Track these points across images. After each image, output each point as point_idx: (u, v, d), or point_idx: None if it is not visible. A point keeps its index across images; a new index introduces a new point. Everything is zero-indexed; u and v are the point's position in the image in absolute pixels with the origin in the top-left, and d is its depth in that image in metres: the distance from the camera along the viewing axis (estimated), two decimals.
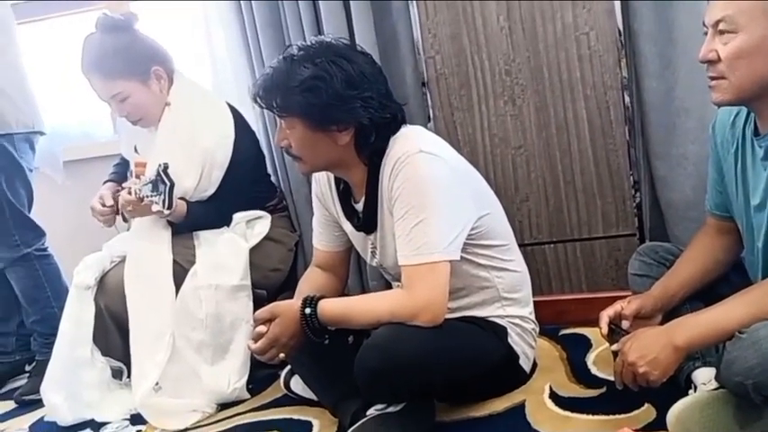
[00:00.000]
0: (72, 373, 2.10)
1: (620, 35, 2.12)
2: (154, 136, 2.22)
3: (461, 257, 1.66)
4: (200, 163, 2.14)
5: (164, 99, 2.20)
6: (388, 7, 2.34)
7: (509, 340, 1.75)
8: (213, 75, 2.53)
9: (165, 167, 1.96)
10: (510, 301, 1.78)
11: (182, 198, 2.10)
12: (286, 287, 2.36)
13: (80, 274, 2.15)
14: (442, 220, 1.60)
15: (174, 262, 2.12)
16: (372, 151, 1.69)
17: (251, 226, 2.27)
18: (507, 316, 1.77)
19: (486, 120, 2.29)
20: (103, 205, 2.26)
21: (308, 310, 1.61)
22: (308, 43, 1.68)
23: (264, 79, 1.67)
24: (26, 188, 2.45)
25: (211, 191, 2.18)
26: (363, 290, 2.48)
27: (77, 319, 2.11)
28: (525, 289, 1.84)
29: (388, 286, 2.30)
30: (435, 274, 1.57)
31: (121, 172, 2.42)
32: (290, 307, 1.65)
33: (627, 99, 2.16)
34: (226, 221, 2.22)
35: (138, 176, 2.05)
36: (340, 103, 1.61)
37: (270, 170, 2.48)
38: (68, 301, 2.15)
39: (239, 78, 2.48)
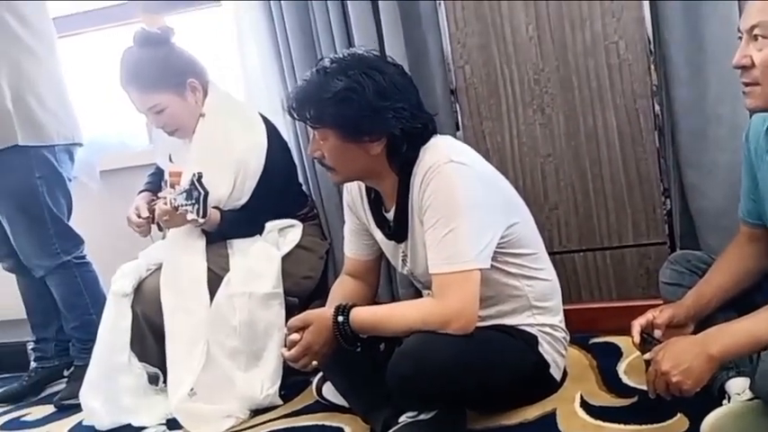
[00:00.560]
0: (110, 378, 2.13)
1: (649, 43, 2.11)
2: (188, 146, 2.24)
3: (491, 266, 1.65)
4: (233, 172, 2.16)
5: (198, 110, 2.23)
6: (418, 18, 2.35)
7: (539, 349, 1.74)
8: (245, 86, 2.54)
9: (200, 177, 1.98)
10: (540, 310, 1.77)
11: (215, 207, 2.12)
12: (317, 294, 2.37)
13: (117, 282, 2.18)
14: (472, 228, 1.59)
15: (209, 270, 2.14)
16: (403, 161, 1.69)
17: (283, 234, 2.29)
18: (538, 324, 1.76)
19: (515, 128, 2.28)
20: (139, 216, 2.28)
21: (340, 318, 1.62)
22: (341, 56, 1.69)
23: (298, 91, 1.68)
24: (66, 197, 2.49)
25: (244, 200, 2.20)
26: (393, 297, 2.47)
27: (115, 325, 2.14)
28: (555, 297, 1.83)
29: (418, 294, 2.30)
30: (466, 283, 1.57)
31: (156, 181, 2.45)
32: (322, 315, 1.66)
33: (657, 107, 2.14)
34: (258, 230, 2.23)
35: (172, 186, 2.07)
36: (372, 114, 1.62)
37: (301, 179, 2.49)
38: (106, 308, 2.18)
39: (270, 89, 2.50)
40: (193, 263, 2.14)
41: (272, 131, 2.26)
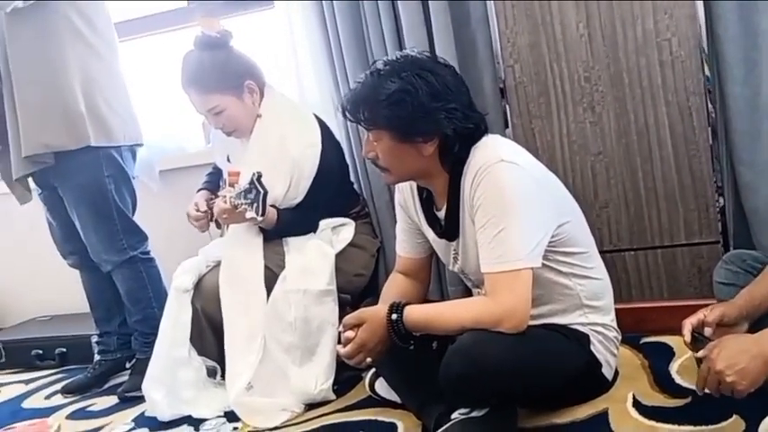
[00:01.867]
0: (171, 371, 2.18)
1: (702, 40, 2.07)
2: (246, 146, 2.28)
3: (543, 265, 1.65)
4: (289, 172, 2.19)
5: (255, 111, 2.26)
6: (468, 18, 2.35)
7: (591, 348, 1.73)
8: (298, 86, 2.57)
9: (259, 176, 2.02)
10: (592, 309, 1.75)
11: (272, 206, 2.15)
12: (368, 291, 2.39)
13: (179, 278, 2.23)
14: (523, 227, 1.59)
15: (266, 267, 2.18)
16: (455, 160, 1.70)
17: (336, 232, 2.31)
18: (589, 323, 1.75)
19: (564, 127, 2.26)
20: (198, 211, 2.34)
21: (394, 316, 1.63)
22: (394, 58, 1.70)
23: (352, 94, 1.70)
24: (131, 195, 2.56)
25: (299, 198, 2.23)
26: (443, 295, 2.48)
27: (176, 320, 2.19)
28: (607, 296, 1.81)
29: (467, 292, 2.30)
30: (518, 282, 1.57)
31: (214, 180, 2.50)
32: (376, 313, 1.67)
33: (710, 104, 2.10)
34: (313, 228, 2.27)
35: (231, 185, 2.10)
36: (425, 115, 1.62)
37: (352, 178, 2.51)
38: (168, 303, 2.24)
39: (323, 90, 2.53)
40: (251, 260, 2.18)
41: (325, 132, 2.29)
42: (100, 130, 2.38)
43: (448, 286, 2.47)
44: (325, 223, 2.28)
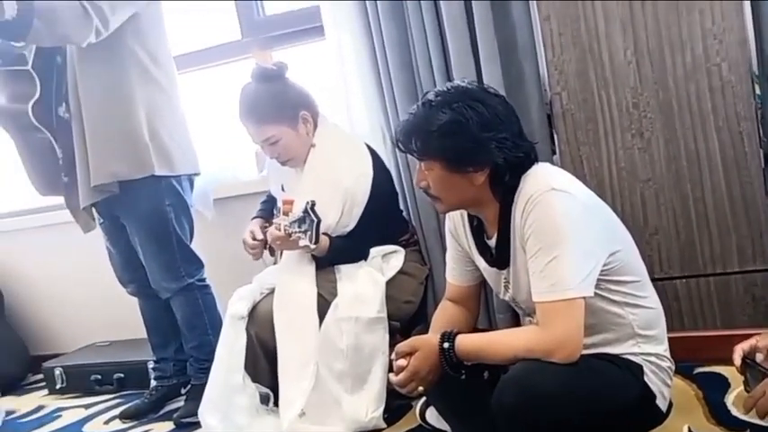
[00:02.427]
0: (226, 397, 2.21)
1: (753, 65, 2.04)
2: (300, 175, 2.33)
3: (595, 294, 1.63)
4: (341, 200, 2.22)
5: (310, 141, 2.31)
6: (515, 46, 2.37)
7: (645, 378, 1.69)
8: (348, 116, 2.61)
9: (313, 205, 2.06)
10: (645, 338, 1.73)
11: (325, 233, 2.18)
12: (417, 319, 2.40)
13: (234, 305, 2.27)
14: (575, 256, 1.58)
15: (318, 294, 2.21)
16: (506, 189, 1.70)
17: (386, 260, 2.33)
18: (642, 353, 1.72)
19: (613, 153, 2.25)
20: (254, 239, 2.38)
21: (446, 345, 1.63)
22: (445, 89, 1.71)
23: (404, 124, 1.71)
24: (189, 223, 2.62)
25: (351, 226, 2.26)
26: (490, 323, 2.48)
27: (231, 347, 2.22)
28: (660, 326, 1.78)
29: (516, 320, 2.29)
30: (570, 311, 1.56)
31: (268, 208, 2.55)
32: (429, 341, 1.68)
33: (761, 129, 2.07)
34: (364, 255, 2.29)
35: (285, 213, 2.14)
36: (476, 146, 1.63)
37: (401, 206, 2.53)
38: (223, 330, 2.27)
39: (373, 119, 2.57)
40: (304, 288, 2.21)
41: (376, 161, 2.32)
42: (162, 160, 2.45)
43: (496, 314, 2.47)
44: (375, 251, 2.31)
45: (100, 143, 2.39)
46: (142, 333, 2.85)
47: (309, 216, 2.04)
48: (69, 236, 3.10)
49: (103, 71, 2.38)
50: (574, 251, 1.58)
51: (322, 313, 2.18)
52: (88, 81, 2.38)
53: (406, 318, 2.35)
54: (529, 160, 1.71)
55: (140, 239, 2.53)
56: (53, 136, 2.36)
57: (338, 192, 2.22)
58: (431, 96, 1.69)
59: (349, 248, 2.26)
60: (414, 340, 1.72)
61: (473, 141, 1.62)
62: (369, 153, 2.32)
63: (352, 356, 2.14)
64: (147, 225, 2.51)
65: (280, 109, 2.25)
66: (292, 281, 2.23)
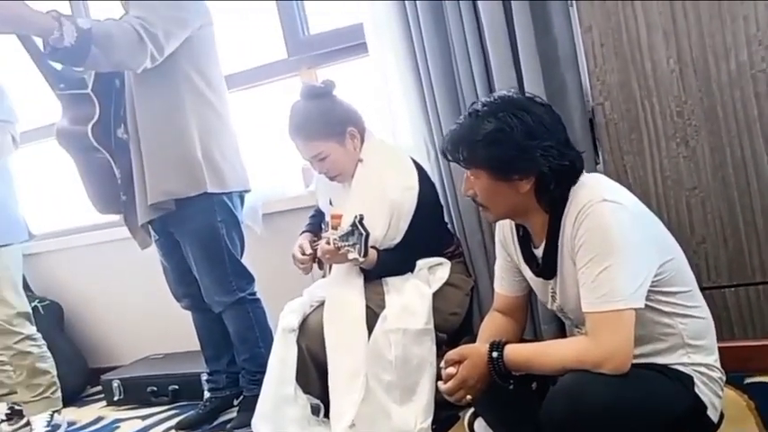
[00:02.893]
0: (278, 408, 2.24)
1: None
2: (347, 190, 2.36)
3: (645, 305, 1.62)
4: (388, 214, 2.25)
5: (357, 156, 2.35)
6: (556, 58, 2.36)
7: (695, 389, 1.67)
8: (393, 130, 2.64)
9: (361, 219, 2.09)
10: (695, 349, 1.71)
11: (372, 247, 2.20)
12: (463, 330, 2.40)
13: (285, 318, 2.30)
14: (626, 267, 1.58)
15: (367, 307, 2.23)
16: (552, 198, 1.71)
17: (433, 272, 2.34)
18: (692, 364, 1.70)
19: (657, 162, 2.23)
20: (303, 254, 2.42)
21: (494, 354, 1.64)
22: (491, 99, 1.73)
23: (451, 134, 1.74)
24: (240, 239, 2.67)
25: (398, 239, 2.28)
26: (536, 334, 2.47)
27: (283, 359, 2.26)
28: (710, 336, 1.76)
29: (562, 330, 2.29)
30: (621, 322, 1.55)
31: (316, 223, 2.59)
32: (478, 350, 1.69)
33: None
34: (411, 268, 2.31)
35: (334, 227, 2.18)
36: (521, 154, 1.64)
37: (446, 218, 2.54)
38: (275, 342, 2.31)
39: (416, 133, 2.59)
40: (353, 300, 2.23)
41: (422, 175, 2.35)
42: (215, 178, 2.51)
43: (541, 324, 2.46)
44: (422, 263, 2.32)
45: (156, 163, 2.45)
46: (195, 345, 2.91)
47: (358, 230, 2.08)
48: (125, 252, 3.21)
49: (159, 94, 2.44)
50: (625, 262, 1.58)
51: (371, 325, 2.20)
52: (145, 103, 2.45)
53: (452, 329, 2.36)
54: (574, 169, 1.71)
55: (194, 255, 2.58)
56: (112, 156, 2.43)
57: (385, 205, 2.25)
58: (477, 106, 1.71)
59: (396, 261, 2.28)
60: (463, 349, 1.73)
61: (517, 149, 1.64)
62: (414, 167, 2.34)
63: (401, 368, 2.15)
64: (200, 241, 2.56)
65: (327, 126, 2.30)
66: (342, 294, 2.26)
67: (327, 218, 2.37)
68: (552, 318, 2.38)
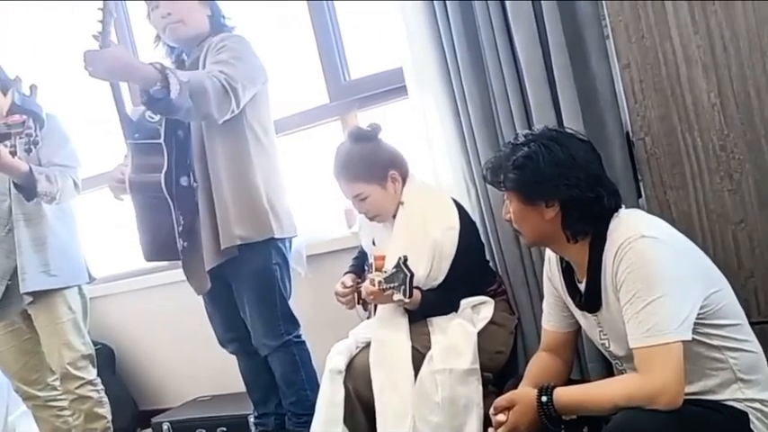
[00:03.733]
0: None
1: None
2: (390, 231, 2.39)
3: (693, 339, 1.60)
4: (430, 254, 2.26)
5: (397, 198, 2.38)
6: (595, 95, 2.37)
7: (751, 426, 1.63)
8: (433, 170, 2.66)
9: (405, 260, 2.11)
10: (748, 384, 1.67)
11: (416, 287, 2.21)
12: (508, 369, 2.38)
13: (333, 360, 2.30)
14: (670, 300, 1.57)
15: (413, 347, 2.23)
16: (576, 230, 1.73)
17: (477, 311, 2.33)
18: (746, 399, 1.66)
19: (701, 196, 2.19)
20: (344, 287, 2.46)
21: (544, 398, 1.63)
22: (532, 131, 1.83)
23: (491, 160, 1.84)
24: (290, 282, 2.70)
25: (440, 279, 2.29)
26: (582, 372, 2.43)
27: (330, 400, 2.25)
28: (763, 370, 1.72)
29: (608, 367, 2.24)
30: (669, 356, 1.54)
31: (359, 264, 2.61)
32: (527, 395, 1.68)
33: None
34: (455, 307, 2.30)
35: (378, 269, 2.21)
36: (543, 181, 1.70)
37: (488, 256, 2.53)
38: (322, 384, 2.31)
39: (457, 173, 2.60)
40: (399, 341, 2.24)
41: (463, 214, 2.36)
42: (277, 223, 2.57)
43: (587, 362, 2.42)
44: (465, 302, 2.31)
45: (227, 209, 2.51)
46: (241, 387, 2.91)
47: (402, 271, 2.09)
48: (173, 296, 3.29)
49: (227, 143, 2.52)
50: (669, 295, 1.57)
51: (417, 366, 2.19)
52: (214, 152, 2.52)
53: (497, 368, 2.34)
54: (601, 204, 1.72)
55: (248, 298, 2.61)
56: (174, 204, 2.47)
57: (427, 246, 2.26)
58: (520, 138, 1.80)
59: (440, 301, 2.28)
60: (512, 394, 1.72)
61: (540, 176, 1.70)
62: (455, 207, 2.36)
63: (448, 409, 2.14)
64: (256, 284, 2.59)
65: (370, 169, 2.34)
66: (387, 335, 2.26)
67: (371, 259, 2.38)
68: (599, 355, 2.34)
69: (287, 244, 2.68)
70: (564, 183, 1.69)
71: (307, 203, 3.14)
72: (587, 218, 1.72)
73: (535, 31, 2.34)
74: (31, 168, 2.63)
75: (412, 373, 2.18)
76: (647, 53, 2.18)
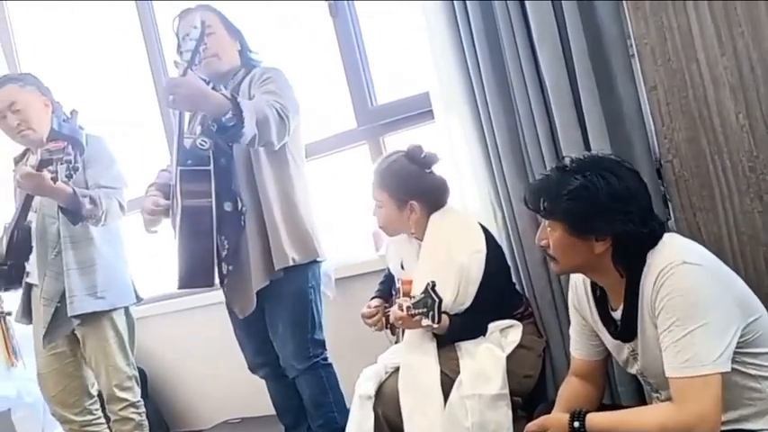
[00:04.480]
0: None
1: None
2: (417, 252, 2.38)
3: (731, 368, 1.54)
4: (457, 278, 2.24)
5: (409, 226, 2.38)
6: (622, 118, 2.33)
7: None
8: (460, 195, 2.63)
9: (434, 285, 2.09)
10: None
11: (444, 312, 2.18)
12: (537, 393, 2.35)
13: (362, 385, 2.29)
14: (710, 330, 1.52)
15: (442, 372, 2.20)
16: (628, 264, 1.67)
17: (504, 334, 2.31)
18: None
19: (731, 218, 2.15)
20: (369, 308, 2.49)
21: (576, 424, 1.60)
22: (581, 157, 1.74)
23: (536, 184, 1.76)
24: (321, 305, 2.70)
25: (468, 303, 2.26)
26: (612, 397, 2.37)
27: (360, 426, 2.23)
28: None
29: (639, 391, 2.19)
30: (707, 388, 1.49)
31: (386, 289, 2.60)
32: (559, 420, 1.66)
33: None
34: (482, 331, 2.28)
35: (406, 294, 2.19)
36: (602, 215, 1.63)
37: (515, 278, 2.50)
38: (352, 409, 2.29)
39: (483, 197, 2.57)
40: (428, 366, 2.21)
41: (489, 238, 2.34)
42: (318, 246, 2.61)
43: (618, 386, 2.37)
44: (493, 326, 2.29)
45: (277, 232, 2.54)
46: (269, 410, 2.89)
47: (430, 296, 2.08)
48: (204, 319, 3.28)
49: (273, 168, 2.57)
50: (709, 325, 1.53)
51: (445, 390, 2.17)
52: (262, 177, 2.55)
53: (526, 392, 2.31)
54: (653, 237, 1.67)
55: (282, 319, 2.61)
56: (218, 230, 2.47)
57: (453, 270, 2.24)
58: (566, 162, 1.72)
59: (468, 325, 2.26)
60: (544, 420, 1.69)
61: (599, 209, 1.62)
62: (482, 231, 2.34)
63: None
64: (292, 306, 2.60)
65: (397, 186, 2.36)
66: (416, 360, 2.24)
67: (398, 283, 2.37)
68: (629, 379, 2.29)
69: (320, 268, 2.70)
70: (621, 217, 1.62)
71: (334, 227, 3.14)
72: (640, 252, 1.66)
73: (560, 52, 2.32)
74: (75, 191, 2.66)
75: (441, 397, 2.15)
76: (674, 75, 2.16)
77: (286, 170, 2.59)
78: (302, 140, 2.73)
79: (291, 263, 2.53)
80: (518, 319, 2.36)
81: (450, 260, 2.25)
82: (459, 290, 2.24)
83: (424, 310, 2.07)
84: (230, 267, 2.55)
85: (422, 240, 2.36)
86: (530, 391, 2.32)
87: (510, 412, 2.14)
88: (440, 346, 2.25)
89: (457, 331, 2.24)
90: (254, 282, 2.55)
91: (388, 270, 2.63)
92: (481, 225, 2.37)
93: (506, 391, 2.16)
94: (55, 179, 2.49)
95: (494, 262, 2.29)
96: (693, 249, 1.68)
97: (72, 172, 2.50)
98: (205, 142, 2.45)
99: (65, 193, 2.63)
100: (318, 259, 2.63)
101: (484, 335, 2.27)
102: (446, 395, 2.16)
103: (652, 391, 1.80)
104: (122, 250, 2.97)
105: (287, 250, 2.53)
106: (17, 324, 3.06)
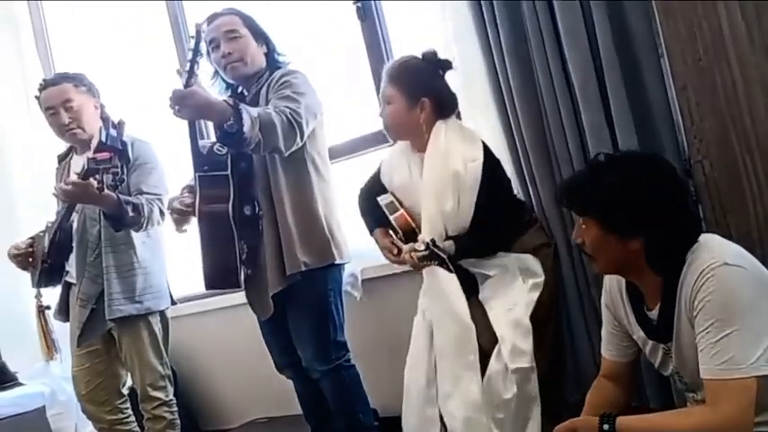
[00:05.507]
0: None
1: None
2: (413, 165, 2.38)
3: None
4: (453, 186, 2.21)
5: (416, 126, 2.32)
6: (651, 117, 2.29)
7: None
8: None
9: (434, 242, 2.07)
10: None
11: (450, 237, 2.20)
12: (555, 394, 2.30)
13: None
14: (748, 333, 1.49)
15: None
16: (663, 262, 1.63)
17: (526, 278, 2.26)
18: None
19: (762, 219, 2.10)
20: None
21: (605, 427, 1.57)
22: (617, 153, 1.72)
23: (570, 181, 1.75)
24: (342, 308, 2.67)
25: (469, 214, 2.22)
26: (641, 398, 2.33)
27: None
28: None
29: (668, 394, 2.14)
30: (742, 391, 1.46)
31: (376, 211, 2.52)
32: (588, 423, 1.62)
33: None
34: (498, 245, 2.26)
35: (401, 227, 2.25)
36: (638, 212, 1.59)
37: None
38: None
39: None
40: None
41: (487, 149, 2.30)
42: (337, 250, 2.58)
43: (647, 388, 2.32)
44: (512, 264, 2.26)
45: (291, 236, 2.52)
46: (297, 409, 2.88)
47: (435, 255, 2.05)
48: (231, 319, 3.30)
49: (290, 174, 2.54)
50: (748, 329, 1.49)
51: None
52: (278, 183, 2.54)
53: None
54: (689, 235, 1.63)
55: (303, 322, 2.59)
56: (238, 233, 2.47)
57: (448, 177, 2.21)
58: (601, 158, 1.69)
59: (480, 242, 2.23)
60: (573, 422, 1.66)
61: (635, 206, 1.59)
62: (480, 142, 2.29)
63: (516, 406, 2.12)
64: (312, 309, 2.58)
65: (409, 81, 2.32)
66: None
67: (386, 210, 2.36)
68: (659, 381, 2.24)
69: (341, 270, 2.68)
70: (657, 215, 1.59)
71: (361, 228, 3.11)
72: (676, 251, 1.62)
73: (588, 51, 2.30)
74: (120, 200, 2.67)
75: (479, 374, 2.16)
76: (704, 75, 2.11)
77: (303, 173, 2.56)
78: (325, 142, 2.69)
79: (303, 268, 2.51)
80: (525, 226, 2.34)
81: (445, 169, 2.22)
82: (459, 201, 2.20)
83: (435, 262, 2.06)
84: (249, 272, 2.54)
85: (423, 152, 2.31)
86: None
87: (537, 383, 2.14)
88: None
89: (471, 250, 2.22)
90: (271, 285, 2.54)
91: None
92: (483, 143, 2.32)
93: (534, 364, 2.14)
94: (101, 189, 2.51)
95: (491, 172, 2.24)
96: (734, 251, 1.63)
97: (118, 183, 2.51)
98: (222, 148, 2.46)
99: (110, 202, 2.65)
100: (338, 262, 2.59)
101: (496, 251, 2.25)
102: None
103: (687, 391, 1.75)
104: (161, 255, 2.98)
105: (299, 255, 2.51)
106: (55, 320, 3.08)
